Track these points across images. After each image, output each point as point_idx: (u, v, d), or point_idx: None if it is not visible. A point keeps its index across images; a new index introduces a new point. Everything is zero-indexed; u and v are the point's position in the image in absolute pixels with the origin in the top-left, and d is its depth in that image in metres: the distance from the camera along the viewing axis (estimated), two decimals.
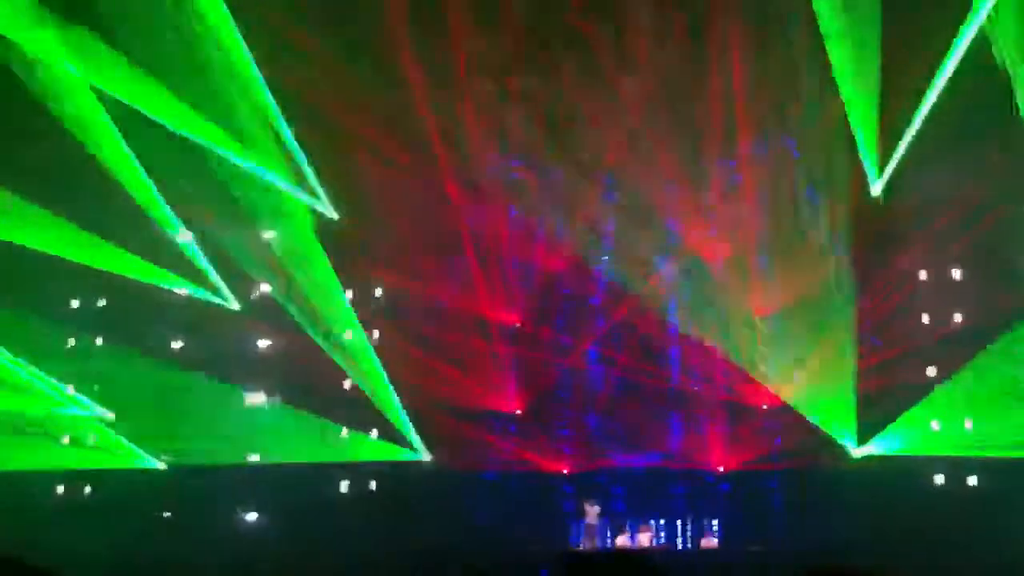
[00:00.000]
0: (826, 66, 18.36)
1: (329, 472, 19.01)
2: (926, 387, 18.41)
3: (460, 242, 19.80)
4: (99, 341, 20.11)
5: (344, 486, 19.25)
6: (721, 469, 18.86)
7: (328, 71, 18.49)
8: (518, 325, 19.82)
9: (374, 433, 19.52)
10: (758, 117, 19.86)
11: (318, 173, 19.16)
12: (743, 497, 18.70)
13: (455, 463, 19.17)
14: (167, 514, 18.72)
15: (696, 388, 19.50)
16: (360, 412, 19.24)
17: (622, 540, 18.19)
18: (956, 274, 19.17)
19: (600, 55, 19.91)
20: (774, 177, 20.16)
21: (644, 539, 18.13)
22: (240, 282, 19.75)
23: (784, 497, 18.57)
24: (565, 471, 19.09)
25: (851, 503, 17.82)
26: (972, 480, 18.22)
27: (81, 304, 20.19)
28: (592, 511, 18.29)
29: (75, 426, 19.45)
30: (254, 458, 19.28)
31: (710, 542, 18.34)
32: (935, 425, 18.40)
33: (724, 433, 19.15)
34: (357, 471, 19.08)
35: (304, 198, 19.23)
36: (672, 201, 20.28)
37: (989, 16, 16.56)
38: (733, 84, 19.62)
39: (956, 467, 18.08)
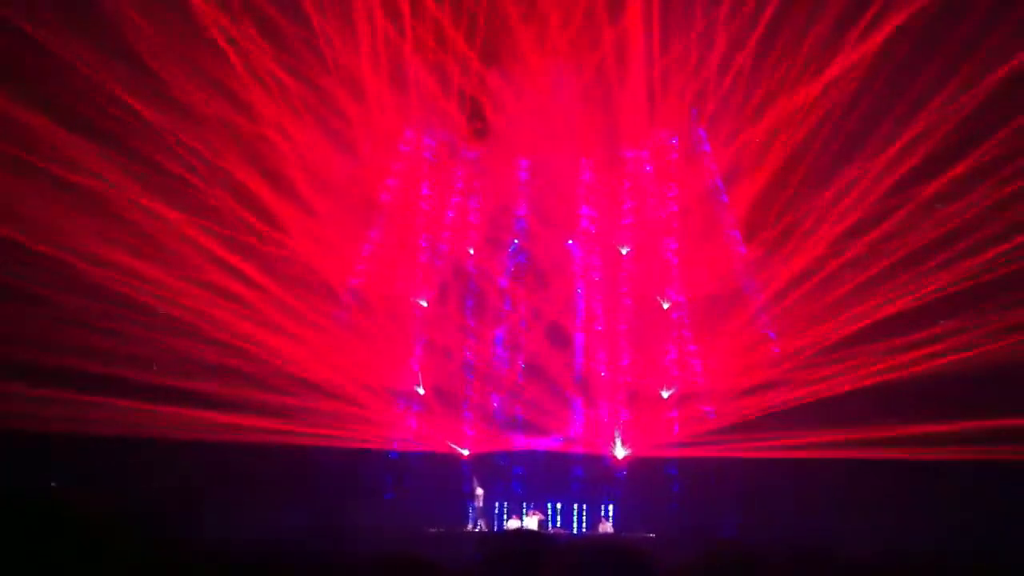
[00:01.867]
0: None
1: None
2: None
3: (370, 217, 19.53)
4: None
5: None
6: (620, 455, 18.94)
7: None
8: (425, 304, 19.66)
9: None
10: (672, 107, 20.01)
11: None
12: (640, 483, 18.77)
13: (359, 441, 18.91)
14: None
15: (601, 374, 19.58)
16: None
17: (513, 523, 18.23)
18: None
19: (518, 38, 19.87)
20: (686, 166, 20.34)
21: (532, 522, 18.16)
22: None
23: (682, 484, 18.69)
24: (466, 452, 19.01)
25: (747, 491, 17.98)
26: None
27: None
28: (479, 493, 18.33)
29: None
30: None
31: (605, 527, 18.43)
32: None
33: (626, 419, 19.26)
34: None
35: None
36: (585, 186, 20.38)
37: None
38: (652, 72, 19.70)
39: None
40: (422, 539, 17.77)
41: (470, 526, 18.26)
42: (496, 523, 18.16)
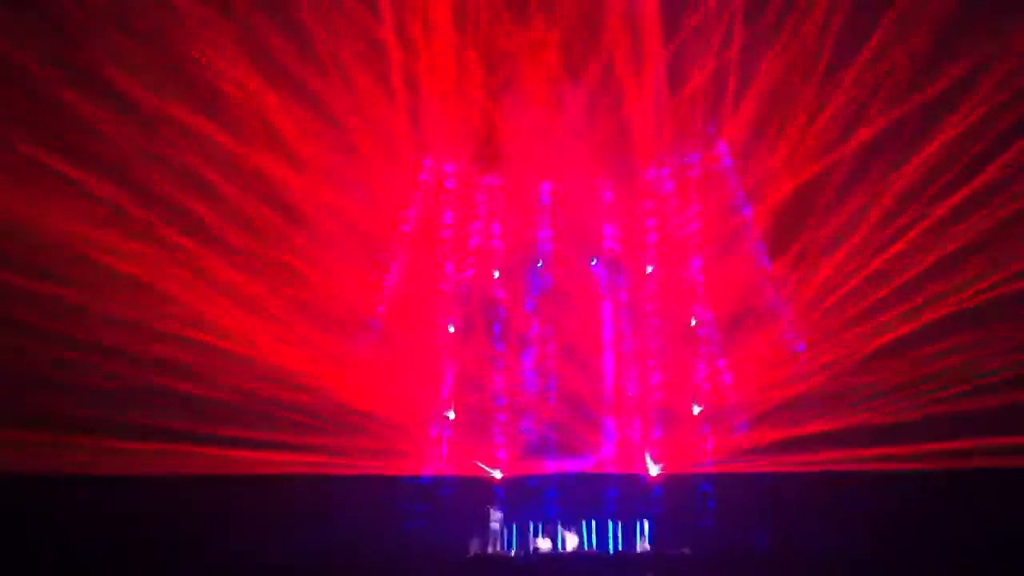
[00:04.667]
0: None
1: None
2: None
3: (392, 247, 19.63)
4: None
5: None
6: (653, 473, 18.82)
7: None
8: (452, 330, 19.71)
9: None
10: (692, 124, 20.07)
11: None
12: (674, 501, 18.64)
13: (390, 469, 18.90)
14: None
15: (630, 393, 19.51)
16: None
17: (545, 544, 18.19)
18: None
19: (533, 61, 20.04)
20: (708, 183, 20.35)
21: (570, 542, 18.18)
22: None
23: (717, 501, 18.54)
24: (498, 474, 18.96)
25: (781, 506, 17.80)
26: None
27: None
28: (495, 516, 18.29)
29: None
30: None
31: (641, 546, 18.29)
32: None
33: (657, 438, 19.16)
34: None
35: None
36: (607, 207, 20.43)
37: None
38: (666, 91, 19.80)
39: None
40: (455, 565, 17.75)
41: (488, 549, 18.18)
42: (505, 546, 18.06)
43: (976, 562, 15.91)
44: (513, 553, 18.17)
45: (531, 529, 18.45)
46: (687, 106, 20.02)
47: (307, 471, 17.88)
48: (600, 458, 19.24)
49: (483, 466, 19.00)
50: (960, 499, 17.27)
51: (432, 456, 19.04)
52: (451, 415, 19.21)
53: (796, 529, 17.49)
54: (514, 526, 18.47)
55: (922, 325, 18.19)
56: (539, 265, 20.01)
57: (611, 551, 18.25)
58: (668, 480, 18.86)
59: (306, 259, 19.16)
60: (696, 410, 19.06)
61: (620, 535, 18.40)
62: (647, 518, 18.47)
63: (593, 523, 18.50)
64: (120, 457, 16.86)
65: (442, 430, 19.17)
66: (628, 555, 18.03)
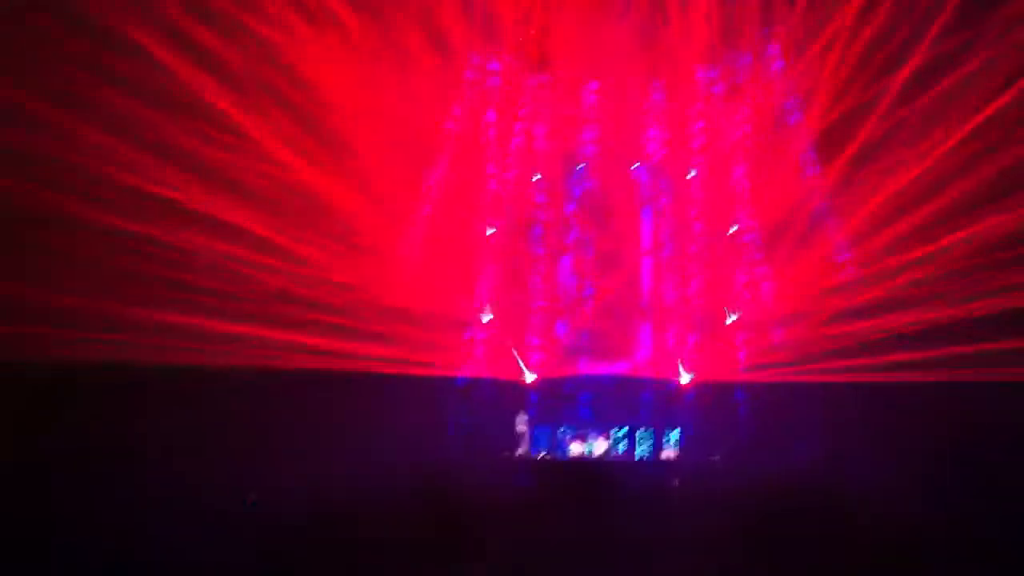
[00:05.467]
0: None
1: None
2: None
3: (433, 146, 19.54)
4: None
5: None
6: (684, 380, 18.86)
7: None
8: (492, 232, 19.69)
9: None
10: (741, 23, 19.47)
11: None
12: (707, 409, 18.70)
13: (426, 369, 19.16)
14: None
15: (666, 299, 19.45)
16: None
17: (577, 448, 18.45)
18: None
19: None
20: (758, 87, 19.82)
21: (600, 447, 18.45)
22: None
23: (748, 410, 18.55)
24: (530, 378, 19.14)
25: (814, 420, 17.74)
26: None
27: None
28: (520, 420, 18.53)
29: None
30: None
31: (670, 453, 18.47)
32: None
33: (692, 345, 19.15)
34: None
35: None
36: (652, 109, 20.05)
37: None
38: None
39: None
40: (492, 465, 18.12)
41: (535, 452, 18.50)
42: (533, 449, 18.28)
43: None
44: (541, 456, 18.47)
45: (561, 432, 18.67)
46: (739, 5, 19.33)
47: (343, 367, 18.16)
48: (634, 364, 19.28)
49: (521, 365, 19.12)
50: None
51: (468, 357, 19.21)
52: (487, 317, 19.25)
53: (835, 442, 17.40)
54: (546, 429, 18.69)
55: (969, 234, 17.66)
56: (580, 168, 19.72)
57: (639, 457, 18.44)
58: (700, 387, 18.86)
59: (348, 155, 19.08)
60: (732, 318, 18.87)
61: (651, 441, 18.54)
62: (678, 425, 18.56)
63: (624, 429, 18.64)
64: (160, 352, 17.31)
65: (478, 332, 19.29)
66: (656, 461, 18.22)
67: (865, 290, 18.40)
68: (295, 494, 16.03)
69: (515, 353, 19.18)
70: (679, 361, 19.02)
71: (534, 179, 19.93)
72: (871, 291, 18.34)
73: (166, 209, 17.64)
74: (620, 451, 18.64)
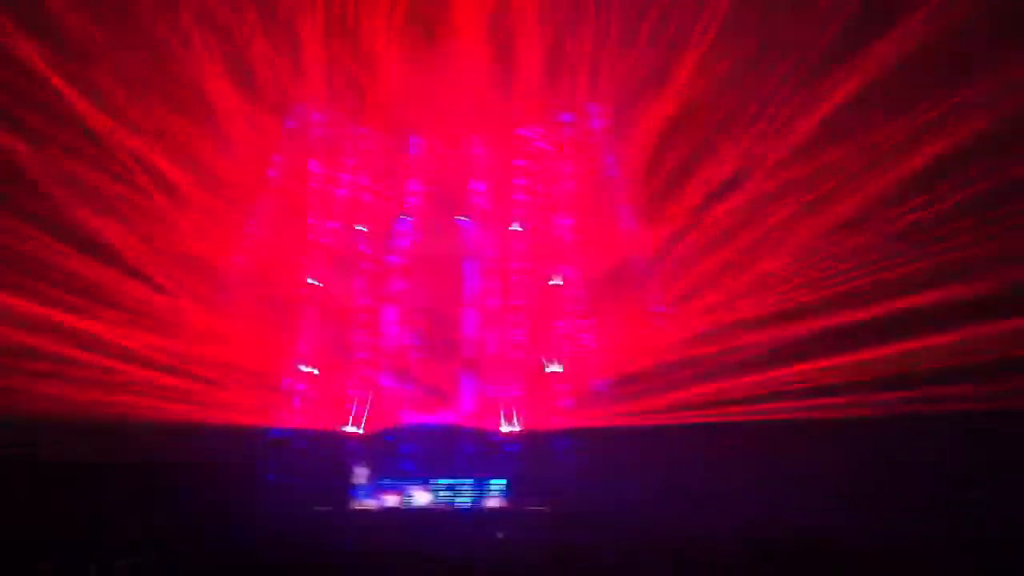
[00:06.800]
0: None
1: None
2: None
3: (255, 195, 19.19)
4: None
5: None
6: (506, 430, 18.86)
7: None
8: (314, 283, 19.39)
9: None
10: (567, 85, 20.02)
11: None
12: (531, 458, 18.71)
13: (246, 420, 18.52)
14: None
15: (490, 350, 19.51)
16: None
17: (394, 500, 18.17)
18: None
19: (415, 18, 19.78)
20: (581, 144, 20.36)
21: (423, 499, 18.21)
22: None
23: (575, 457, 18.65)
24: (355, 430, 18.78)
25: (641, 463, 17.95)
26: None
27: None
28: (361, 473, 18.24)
29: None
30: None
31: (496, 501, 18.36)
32: None
33: (515, 395, 19.20)
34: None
35: None
36: (477, 163, 20.32)
37: None
38: (546, 51, 19.73)
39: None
40: (310, 519, 17.56)
41: (356, 505, 18.09)
42: (376, 501, 18.04)
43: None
44: (370, 506, 18.08)
45: (387, 484, 18.35)
46: (563, 66, 19.90)
47: (164, 418, 17.43)
48: (457, 414, 19.18)
49: (349, 422, 18.78)
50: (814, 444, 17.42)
51: (288, 409, 18.73)
52: (307, 368, 18.86)
53: (659, 484, 17.60)
54: (368, 480, 18.35)
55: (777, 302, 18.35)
56: (406, 219, 19.74)
57: (465, 507, 18.25)
58: (523, 437, 18.89)
59: (173, 206, 18.55)
60: (554, 368, 19.06)
61: (475, 491, 18.40)
62: (502, 474, 18.49)
63: (448, 479, 18.47)
64: None
65: (299, 383, 18.86)
66: (481, 511, 18.07)
67: (680, 339, 18.89)
68: None
69: (354, 405, 18.90)
70: (501, 411, 19.02)
71: (357, 229, 19.74)
72: (686, 341, 18.84)
73: None
74: (443, 501, 18.40)
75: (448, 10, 19.88)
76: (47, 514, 15.98)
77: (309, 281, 19.44)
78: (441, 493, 18.53)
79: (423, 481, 18.55)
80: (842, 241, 17.58)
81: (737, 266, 18.74)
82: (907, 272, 16.64)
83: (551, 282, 19.69)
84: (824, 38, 17.57)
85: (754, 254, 18.64)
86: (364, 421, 19.05)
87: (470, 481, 18.61)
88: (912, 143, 16.99)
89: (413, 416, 19.21)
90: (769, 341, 18.09)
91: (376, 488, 18.46)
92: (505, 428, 18.97)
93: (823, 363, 17.25)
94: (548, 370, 19.20)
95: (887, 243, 16.86)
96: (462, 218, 20.05)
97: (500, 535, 17.63)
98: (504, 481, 18.62)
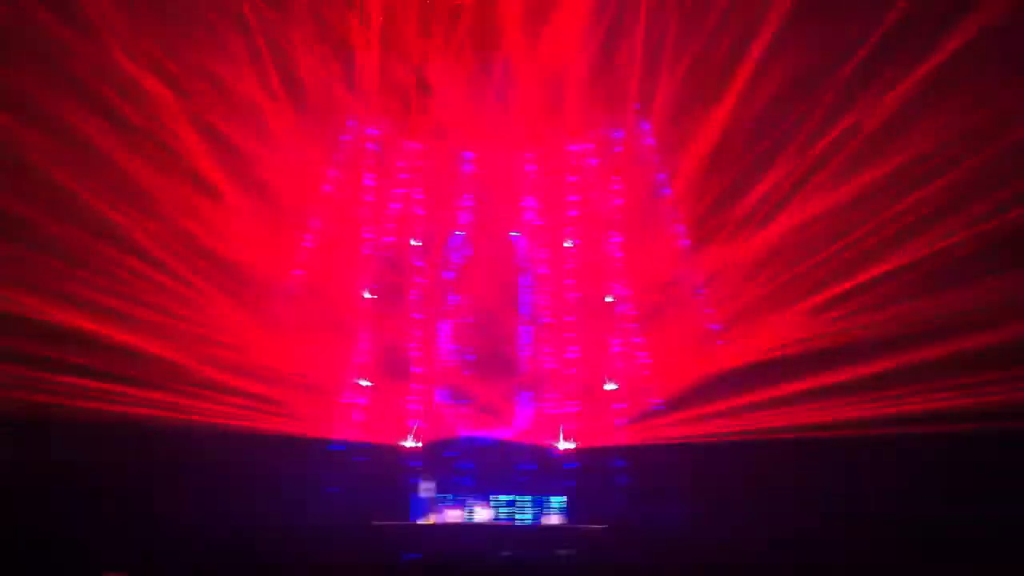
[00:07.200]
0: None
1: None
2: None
3: (310, 211, 19.21)
4: None
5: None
6: (563, 447, 18.86)
7: None
8: (369, 296, 19.39)
9: None
10: (618, 101, 20.06)
11: None
12: (589, 475, 18.70)
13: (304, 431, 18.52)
14: None
15: (546, 366, 19.50)
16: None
17: (456, 515, 18.13)
18: None
19: (465, 31, 19.84)
20: (631, 161, 20.40)
21: (483, 515, 18.15)
22: None
23: (630, 475, 18.64)
24: (412, 444, 18.74)
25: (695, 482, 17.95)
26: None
27: None
28: (426, 486, 18.17)
29: None
30: None
31: (553, 519, 18.33)
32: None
33: (571, 412, 19.20)
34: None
35: None
36: (529, 179, 20.35)
37: None
38: (597, 66, 19.79)
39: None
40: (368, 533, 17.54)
41: (420, 520, 18.03)
42: (439, 516, 18.01)
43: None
44: (431, 521, 18.04)
45: (447, 499, 18.32)
46: (614, 82, 19.96)
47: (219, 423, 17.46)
48: (513, 430, 19.17)
49: (408, 437, 18.75)
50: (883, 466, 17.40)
51: (345, 422, 18.70)
52: (364, 382, 18.84)
53: (714, 504, 17.59)
54: (431, 494, 18.35)
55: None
56: (460, 234, 19.75)
57: (523, 524, 18.22)
58: (582, 454, 18.88)
59: (228, 218, 18.56)
60: (611, 386, 19.06)
61: (535, 508, 18.38)
62: (560, 491, 18.48)
63: (507, 495, 18.44)
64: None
65: (356, 396, 18.83)
66: (540, 528, 18.05)
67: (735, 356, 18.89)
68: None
69: (410, 419, 18.88)
70: (560, 428, 19.02)
71: (413, 243, 19.77)
72: (742, 357, 18.83)
73: None
74: (504, 518, 18.36)
75: (500, 27, 19.94)
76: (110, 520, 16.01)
77: (365, 295, 19.38)
78: (501, 509, 18.49)
79: (483, 497, 18.51)
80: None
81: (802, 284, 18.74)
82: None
83: (606, 299, 19.63)
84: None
85: (816, 274, 18.66)
86: (421, 436, 19.01)
87: (529, 498, 18.57)
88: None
89: (469, 431, 19.17)
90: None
91: (436, 503, 18.42)
92: (563, 445, 18.93)
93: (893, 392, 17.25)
94: (605, 387, 19.15)
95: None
96: (515, 234, 20.00)
97: (562, 552, 17.63)
98: (563, 498, 18.60)
